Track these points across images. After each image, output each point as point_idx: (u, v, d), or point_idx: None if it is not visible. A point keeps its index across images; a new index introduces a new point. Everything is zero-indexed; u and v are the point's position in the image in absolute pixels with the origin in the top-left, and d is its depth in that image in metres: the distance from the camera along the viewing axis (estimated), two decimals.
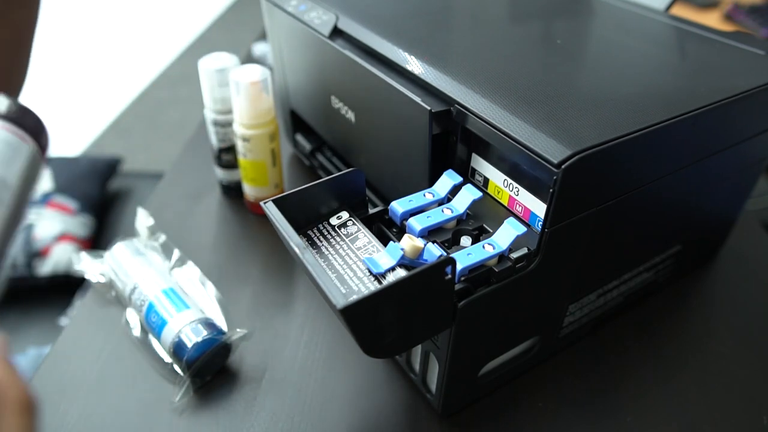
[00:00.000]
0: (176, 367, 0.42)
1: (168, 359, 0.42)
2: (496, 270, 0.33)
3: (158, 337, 0.42)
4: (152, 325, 0.43)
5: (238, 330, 0.42)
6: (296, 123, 0.64)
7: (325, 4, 0.50)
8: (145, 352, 0.44)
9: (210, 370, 0.42)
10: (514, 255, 0.33)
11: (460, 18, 0.50)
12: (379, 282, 0.32)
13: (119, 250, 0.48)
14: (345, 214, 0.36)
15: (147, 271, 0.46)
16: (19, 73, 0.46)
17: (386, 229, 0.37)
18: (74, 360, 0.44)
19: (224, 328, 0.43)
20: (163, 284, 0.44)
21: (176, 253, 0.49)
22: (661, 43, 0.46)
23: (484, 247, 0.33)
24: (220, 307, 0.45)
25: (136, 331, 0.45)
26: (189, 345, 0.40)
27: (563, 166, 0.30)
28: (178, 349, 0.40)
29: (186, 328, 0.41)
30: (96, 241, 0.97)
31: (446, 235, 0.35)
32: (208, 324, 0.42)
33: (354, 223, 0.36)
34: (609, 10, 0.52)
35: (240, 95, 0.52)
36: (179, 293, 0.44)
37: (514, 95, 0.35)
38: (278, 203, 0.34)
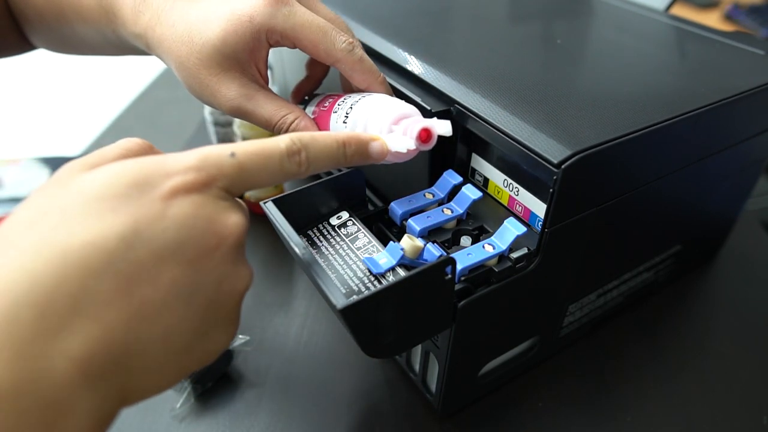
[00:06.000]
0: None
1: None
2: (496, 270, 0.33)
3: None
4: None
5: (239, 336, 0.42)
6: None
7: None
8: None
9: (211, 376, 0.42)
10: (514, 255, 0.33)
11: (460, 18, 0.50)
12: (379, 282, 0.32)
13: None
14: (345, 214, 0.36)
15: None
16: None
17: (386, 229, 0.37)
18: None
19: None
20: None
21: None
22: (661, 43, 0.46)
23: (484, 247, 0.32)
24: None
25: None
26: None
27: (563, 166, 0.29)
28: None
29: None
30: None
31: (446, 235, 0.35)
32: None
33: (354, 223, 0.36)
34: (609, 10, 0.52)
35: None
36: None
37: (514, 95, 0.35)
38: (278, 203, 0.34)
